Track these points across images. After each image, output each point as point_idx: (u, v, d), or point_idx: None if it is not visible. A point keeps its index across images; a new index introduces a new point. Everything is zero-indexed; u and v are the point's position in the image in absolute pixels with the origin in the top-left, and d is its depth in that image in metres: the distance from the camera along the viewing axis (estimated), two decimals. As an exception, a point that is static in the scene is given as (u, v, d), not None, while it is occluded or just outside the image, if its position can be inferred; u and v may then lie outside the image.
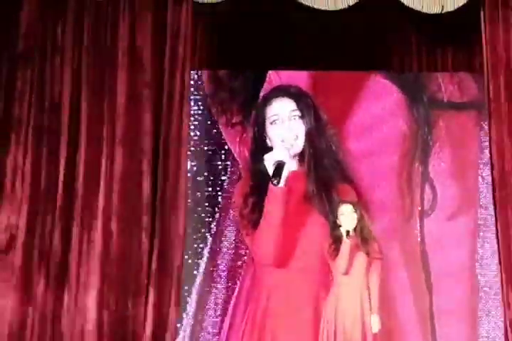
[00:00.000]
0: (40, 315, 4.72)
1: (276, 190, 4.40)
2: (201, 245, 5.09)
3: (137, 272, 4.76)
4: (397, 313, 4.92)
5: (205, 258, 5.08)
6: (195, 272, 5.06)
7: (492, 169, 4.76)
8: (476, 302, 4.98)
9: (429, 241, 5.05)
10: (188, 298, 5.01)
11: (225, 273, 5.05)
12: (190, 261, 5.02)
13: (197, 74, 5.20)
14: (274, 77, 5.12)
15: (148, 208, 4.80)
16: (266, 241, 4.45)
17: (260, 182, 4.57)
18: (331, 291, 4.45)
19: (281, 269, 4.51)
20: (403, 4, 4.84)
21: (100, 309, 4.72)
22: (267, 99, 4.76)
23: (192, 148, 5.11)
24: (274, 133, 4.69)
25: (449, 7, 4.85)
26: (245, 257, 5.00)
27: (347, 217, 4.45)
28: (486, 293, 4.99)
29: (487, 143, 4.89)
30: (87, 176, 4.85)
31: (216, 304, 4.99)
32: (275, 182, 4.36)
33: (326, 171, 4.65)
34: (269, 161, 4.44)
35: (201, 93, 5.21)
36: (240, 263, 5.03)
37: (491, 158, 4.78)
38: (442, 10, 4.85)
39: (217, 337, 4.93)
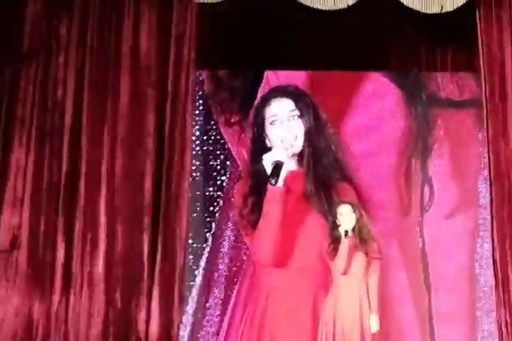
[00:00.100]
0: (45, 315, 4.72)
1: (275, 190, 4.41)
2: (201, 245, 5.09)
3: (141, 272, 4.75)
4: (396, 313, 4.91)
5: (204, 258, 5.08)
6: (195, 272, 5.06)
7: (489, 169, 4.76)
8: (476, 302, 4.97)
9: (428, 240, 5.05)
10: (187, 298, 5.01)
11: (225, 272, 5.04)
12: (190, 260, 5.03)
13: (197, 74, 5.21)
14: (272, 77, 5.12)
15: (151, 208, 4.80)
16: (265, 241, 4.46)
17: (259, 182, 4.59)
18: (330, 291, 4.45)
19: (280, 269, 4.53)
20: (402, 4, 4.84)
21: (105, 309, 4.73)
22: (266, 100, 4.77)
23: (192, 148, 5.12)
24: (273, 134, 4.70)
25: (449, 7, 4.84)
26: (245, 257, 5.00)
27: (345, 217, 4.45)
28: (485, 292, 4.97)
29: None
30: (90, 176, 4.85)
31: (215, 304, 4.99)
32: (273, 181, 4.37)
33: (325, 170, 4.66)
34: (267, 161, 4.45)
35: (201, 93, 5.21)
36: (239, 263, 5.03)
37: (488, 157, 4.78)
38: (441, 10, 4.85)
39: (216, 336, 4.93)
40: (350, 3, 4.84)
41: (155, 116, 4.88)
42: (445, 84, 5.19)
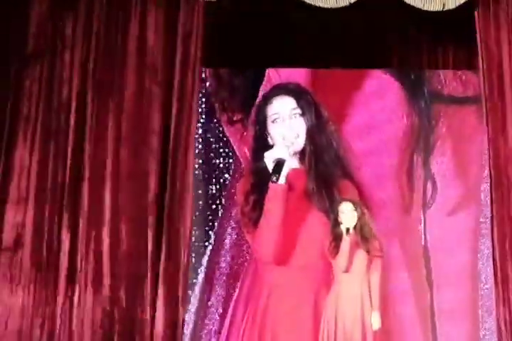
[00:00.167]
0: (49, 313, 4.74)
1: (276, 188, 4.41)
2: (203, 243, 5.09)
3: (145, 270, 4.77)
4: (398, 311, 4.90)
5: (207, 256, 5.08)
6: (197, 270, 5.05)
7: (489, 167, 4.76)
8: (478, 300, 4.96)
9: (430, 238, 5.04)
10: (190, 296, 5.02)
11: (227, 270, 5.04)
12: (192, 258, 5.03)
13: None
14: (274, 75, 5.12)
15: (156, 207, 4.81)
16: (266, 239, 4.46)
17: (261, 180, 4.59)
18: (331, 289, 4.45)
19: (282, 267, 4.53)
20: (404, 2, 4.84)
21: (110, 307, 4.74)
22: (268, 98, 4.77)
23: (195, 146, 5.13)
24: (275, 132, 4.70)
25: (450, 5, 4.84)
26: (247, 255, 4.99)
27: (347, 215, 4.45)
28: (487, 290, 4.96)
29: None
30: (94, 175, 4.87)
31: (217, 302, 4.99)
32: (274, 179, 4.37)
33: (326, 168, 4.65)
34: (269, 159, 4.45)
35: (203, 91, 5.21)
36: (241, 260, 5.03)
37: (488, 155, 4.78)
38: (443, 7, 4.85)
39: (218, 334, 4.93)
40: (352, 1, 4.84)
41: (160, 115, 4.89)
42: (448, 81, 5.18)
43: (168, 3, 4.97)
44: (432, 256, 5.01)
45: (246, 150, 5.01)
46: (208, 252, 5.07)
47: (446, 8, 4.84)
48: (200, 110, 5.15)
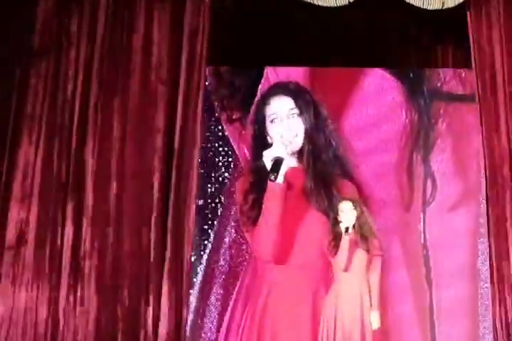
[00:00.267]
0: (53, 311, 4.75)
1: (275, 187, 4.40)
2: (203, 241, 5.09)
3: (149, 269, 4.78)
4: (397, 310, 4.90)
5: (206, 255, 5.08)
6: (197, 269, 5.05)
7: (484, 165, 4.77)
8: (477, 299, 4.95)
9: (430, 236, 5.04)
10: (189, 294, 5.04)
11: (227, 269, 5.04)
12: (192, 256, 5.03)
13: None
14: (271, 74, 5.12)
15: (160, 206, 4.83)
16: (265, 238, 4.46)
17: (260, 179, 4.57)
18: (331, 288, 4.45)
19: (281, 266, 4.52)
20: (404, 1, 4.84)
21: (113, 306, 4.75)
22: (266, 98, 4.75)
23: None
24: (273, 132, 4.69)
25: (450, 3, 4.84)
26: (246, 254, 5.00)
27: (346, 213, 4.45)
28: (487, 289, 4.95)
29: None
30: (98, 173, 4.88)
31: (217, 300, 4.99)
32: (272, 177, 4.36)
33: (325, 167, 4.64)
34: (267, 157, 4.44)
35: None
36: (241, 259, 5.03)
37: (483, 155, 4.78)
38: (443, 6, 4.85)
39: (217, 333, 4.93)
40: (352, 0, 4.84)
41: (165, 114, 4.90)
42: (447, 79, 5.17)
43: (173, 1, 4.96)
44: (431, 254, 5.00)
45: (245, 149, 5.02)
46: (207, 251, 5.07)
47: (445, 7, 4.85)
48: (201, 108, 5.17)
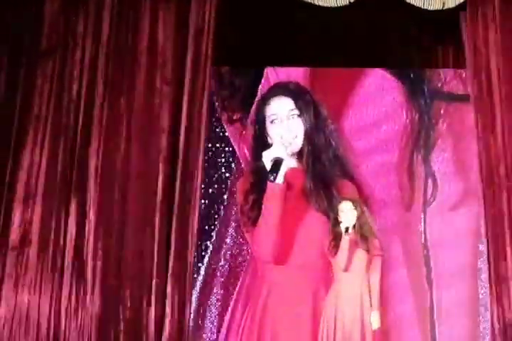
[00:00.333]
0: (55, 312, 4.75)
1: (274, 187, 4.39)
2: (204, 242, 5.10)
3: (153, 270, 4.79)
4: (397, 310, 4.91)
5: (208, 255, 5.09)
6: (198, 269, 5.07)
7: (480, 166, 4.77)
8: (477, 298, 4.96)
9: (430, 236, 5.04)
10: (191, 295, 5.04)
11: (227, 269, 5.06)
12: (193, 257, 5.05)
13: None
14: (271, 74, 5.13)
15: (165, 206, 4.83)
16: (264, 238, 4.44)
17: (261, 179, 4.55)
18: (331, 288, 4.45)
19: (281, 266, 4.50)
20: (404, 1, 4.84)
21: (116, 306, 4.76)
22: (266, 98, 4.73)
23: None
24: (273, 132, 4.67)
25: (450, 3, 4.84)
26: (247, 254, 5.01)
27: (346, 213, 4.44)
28: (486, 288, 4.95)
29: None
30: (103, 174, 4.89)
31: (217, 300, 5.01)
32: (271, 178, 4.35)
33: (325, 167, 4.61)
34: (267, 158, 4.44)
35: (204, 89, 5.22)
36: (241, 260, 5.04)
37: (479, 154, 4.79)
38: (443, 6, 4.85)
39: (217, 333, 4.95)
40: (352, 0, 4.84)
41: (170, 114, 4.90)
42: (448, 79, 5.18)
43: (179, 1, 4.98)
44: (431, 254, 5.01)
45: (245, 149, 5.03)
46: (208, 251, 5.08)
47: (446, 7, 4.85)
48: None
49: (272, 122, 4.69)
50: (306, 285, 4.51)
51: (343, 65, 5.26)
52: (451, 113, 5.14)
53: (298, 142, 4.63)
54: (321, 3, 4.86)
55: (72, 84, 4.98)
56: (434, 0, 4.83)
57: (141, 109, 4.93)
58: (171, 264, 4.77)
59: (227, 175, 5.15)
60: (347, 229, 4.41)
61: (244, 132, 5.08)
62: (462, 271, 4.98)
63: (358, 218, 4.46)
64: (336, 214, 4.46)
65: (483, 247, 4.94)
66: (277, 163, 4.39)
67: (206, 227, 5.10)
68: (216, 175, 5.16)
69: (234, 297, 4.96)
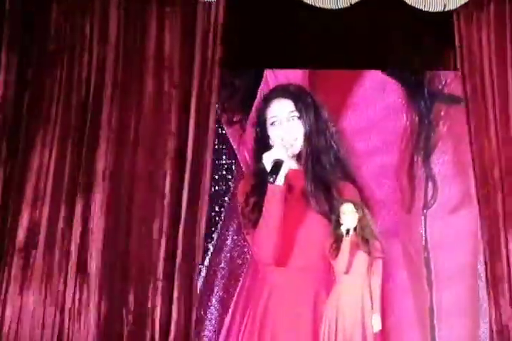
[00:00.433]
0: (60, 314, 4.77)
1: (275, 189, 4.39)
2: (206, 243, 5.09)
3: (159, 272, 4.81)
4: (398, 312, 4.92)
5: (208, 257, 5.09)
6: (200, 270, 5.07)
7: (474, 167, 4.77)
8: (477, 300, 4.96)
9: (431, 238, 5.05)
10: (192, 296, 5.04)
11: (228, 271, 5.06)
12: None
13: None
14: (270, 76, 5.13)
15: (172, 208, 4.85)
16: (265, 240, 4.43)
17: (262, 181, 4.55)
18: (332, 290, 4.44)
19: (282, 268, 4.50)
20: (405, 3, 4.84)
21: (121, 309, 4.78)
22: (267, 100, 4.71)
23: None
24: (274, 134, 4.66)
25: (451, 5, 4.85)
26: (248, 256, 5.02)
27: (347, 216, 4.43)
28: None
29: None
30: (111, 176, 4.90)
31: (218, 302, 5.01)
32: (271, 179, 4.35)
33: (325, 169, 4.61)
34: (267, 159, 4.44)
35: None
36: (242, 261, 5.05)
37: (472, 156, 4.80)
38: (444, 8, 4.84)
39: (218, 335, 4.96)
40: (353, 2, 4.84)
41: (178, 116, 4.91)
42: (448, 81, 5.18)
43: (185, 4, 4.97)
44: (432, 256, 5.02)
45: (245, 151, 5.03)
46: (209, 253, 5.09)
47: (447, 9, 4.85)
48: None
49: (272, 124, 4.68)
50: (306, 287, 4.51)
51: (343, 65, 5.25)
52: (451, 115, 5.14)
53: (298, 144, 4.63)
54: (322, 5, 4.86)
55: (80, 86, 4.99)
56: (435, 1, 4.83)
57: (149, 111, 4.94)
58: (177, 267, 4.77)
59: (229, 176, 5.15)
60: (348, 231, 4.40)
61: (243, 134, 5.08)
62: (462, 273, 4.98)
63: (359, 220, 4.44)
64: (337, 216, 4.45)
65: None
66: (277, 165, 4.39)
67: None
68: (217, 177, 5.16)
69: (234, 299, 4.97)
